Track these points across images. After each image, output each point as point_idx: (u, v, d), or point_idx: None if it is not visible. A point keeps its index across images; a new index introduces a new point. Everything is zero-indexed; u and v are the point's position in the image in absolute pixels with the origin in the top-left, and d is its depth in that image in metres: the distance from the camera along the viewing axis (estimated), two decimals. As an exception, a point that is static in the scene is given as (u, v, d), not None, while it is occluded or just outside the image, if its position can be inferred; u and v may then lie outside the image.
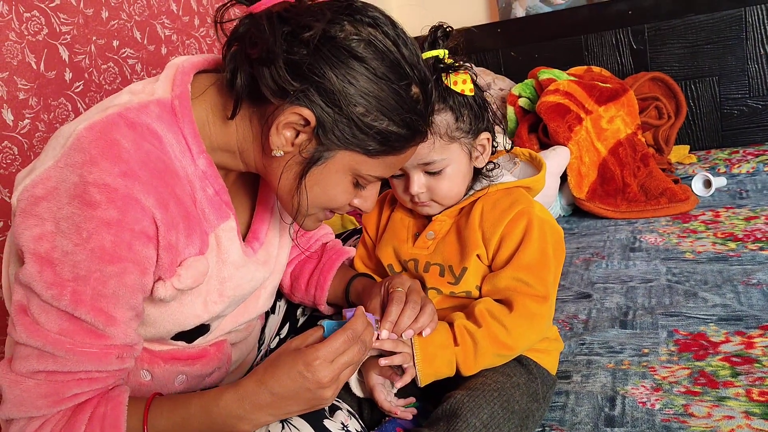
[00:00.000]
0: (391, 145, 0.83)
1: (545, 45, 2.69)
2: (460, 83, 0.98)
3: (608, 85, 2.24)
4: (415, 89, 0.82)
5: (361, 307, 0.86)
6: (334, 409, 0.87)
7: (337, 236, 1.39)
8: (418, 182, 1.02)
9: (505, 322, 0.97)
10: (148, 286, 0.81)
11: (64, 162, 0.75)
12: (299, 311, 1.28)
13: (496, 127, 1.09)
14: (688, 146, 2.50)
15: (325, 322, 0.84)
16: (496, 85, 2.58)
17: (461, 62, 0.99)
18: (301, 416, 0.82)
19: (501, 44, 2.80)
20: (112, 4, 1.74)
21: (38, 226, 0.74)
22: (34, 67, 1.48)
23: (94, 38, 1.67)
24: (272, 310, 1.26)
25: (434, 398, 1.01)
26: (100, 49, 1.69)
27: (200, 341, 0.96)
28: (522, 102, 2.32)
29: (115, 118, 0.78)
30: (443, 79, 0.97)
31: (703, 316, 1.28)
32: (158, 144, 0.80)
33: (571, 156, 1.99)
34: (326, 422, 0.83)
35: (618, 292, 1.46)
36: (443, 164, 1.01)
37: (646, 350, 1.19)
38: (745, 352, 1.12)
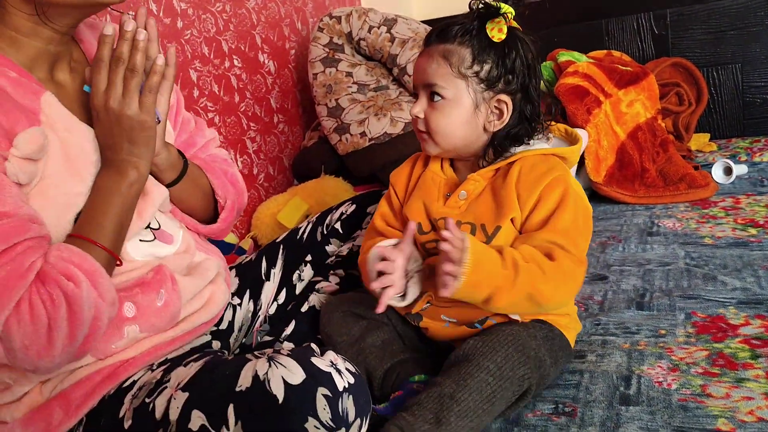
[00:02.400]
0: None
1: (565, 29, 2.65)
2: (496, 30, 0.99)
3: (628, 68, 2.20)
4: None
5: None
6: (324, 351, 0.87)
7: (344, 202, 1.37)
8: (419, 105, 1.05)
9: (545, 269, 0.94)
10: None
11: None
12: (295, 276, 1.28)
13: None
14: (709, 134, 2.46)
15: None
16: (514, 68, 2.55)
17: (507, 15, 1.01)
18: (288, 355, 0.82)
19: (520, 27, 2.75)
20: (128, -26, 1.72)
21: None
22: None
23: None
24: (267, 277, 1.26)
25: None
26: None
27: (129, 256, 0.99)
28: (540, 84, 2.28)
29: None
30: (486, 26, 1.00)
31: (722, 299, 1.25)
32: None
33: (590, 139, 1.96)
34: (314, 359, 0.82)
35: (635, 275, 1.43)
36: (444, 93, 1.02)
37: (663, 331, 1.17)
38: (766, 335, 1.09)
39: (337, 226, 1.32)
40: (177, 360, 0.99)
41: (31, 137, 0.86)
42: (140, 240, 1.01)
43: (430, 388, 0.91)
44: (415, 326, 1.11)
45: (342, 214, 1.33)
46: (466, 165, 1.10)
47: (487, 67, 1.01)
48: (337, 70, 2.29)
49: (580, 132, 1.95)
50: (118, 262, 0.94)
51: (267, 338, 1.23)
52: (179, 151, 1.10)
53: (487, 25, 1.00)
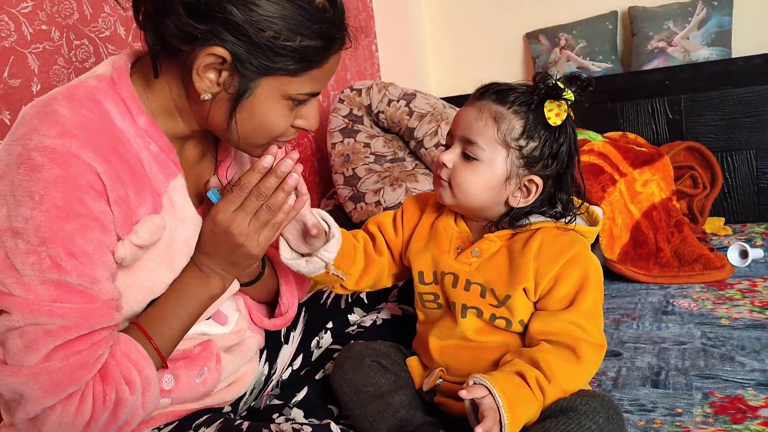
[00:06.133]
0: (310, 60, 0.85)
1: (581, 110, 2.68)
2: (554, 113, 0.97)
3: (643, 149, 2.22)
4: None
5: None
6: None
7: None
8: (452, 154, 1.01)
9: (573, 372, 0.93)
10: (113, 246, 0.82)
11: (10, 139, 0.79)
12: (314, 342, 1.25)
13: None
14: (723, 218, 2.46)
15: (209, 195, 0.96)
16: (529, 146, 2.58)
17: (569, 102, 0.98)
18: None
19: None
20: (159, 40, 1.79)
21: (2, 206, 0.77)
22: (79, 92, 1.52)
23: (138, 71, 1.71)
24: (285, 339, 1.23)
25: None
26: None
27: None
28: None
29: (54, 93, 0.84)
30: (545, 104, 0.97)
31: (740, 380, 1.21)
32: (96, 109, 0.84)
33: (604, 216, 1.96)
34: None
35: (649, 353, 1.40)
36: (480, 155, 0.99)
37: (679, 410, 1.13)
38: (787, 418, 1.06)
39: (363, 295, 1.30)
40: (186, 422, 0.97)
41: (154, 229, 0.87)
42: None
43: None
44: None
45: None
46: (478, 223, 1.08)
47: (533, 144, 0.99)
48: (355, 140, 2.33)
49: (595, 209, 1.96)
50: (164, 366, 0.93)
51: (276, 402, 1.20)
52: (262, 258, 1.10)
53: (546, 105, 0.97)
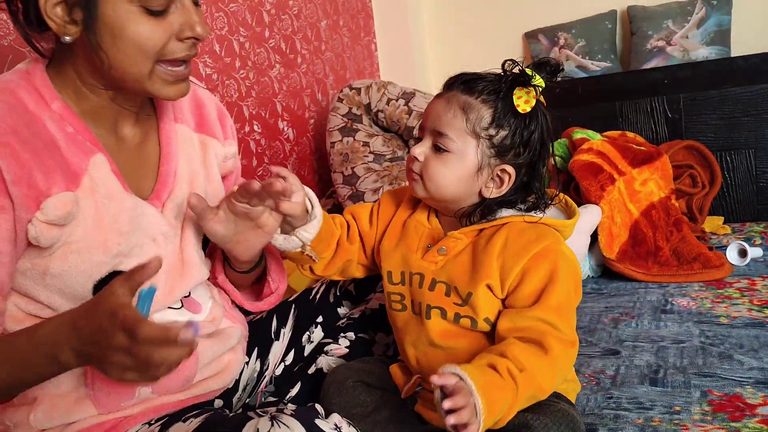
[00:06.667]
0: None
1: (580, 109, 2.69)
2: (523, 100, 0.96)
3: (642, 148, 2.22)
4: None
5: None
6: (329, 412, 0.84)
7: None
8: (423, 147, 1.00)
9: (543, 364, 0.90)
10: (4, 232, 0.82)
11: None
12: (305, 337, 1.25)
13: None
14: (722, 217, 2.46)
15: (143, 290, 0.74)
16: (528, 145, 2.58)
17: (537, 87, 0.96)
18: (292, 415, 0.79)
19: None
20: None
21: None
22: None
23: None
24: (276, 336, 1.24)
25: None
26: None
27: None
28: (554, 160, 2.30)
29: None
30: (514, 92, 0.96)
31: (738, 378, 1.22)
32: (9, 98, 0.86)
33: (603, 215, 1.96)
34: (318, 421, 0.79)
35: (648, 351, 1.40)
36: (451, 146, 0.97)
37: (677, 408, 1.13)
38: (785, 416, 1.06)
39: (351, 287, 1.31)
40: (176, 415, 0.97)
41: (59, 203, 0.85)
42: (168, 307, 1.00)
43: None
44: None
45: None
46: (450, 219, 1.05)
47: (503, 133, 0.97)
48: (354, 139, 2.33)
49: (594, 208, 1.96)
50: None
51: (271, 399, 1.20)
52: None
53: (515, 92, 0.96)
